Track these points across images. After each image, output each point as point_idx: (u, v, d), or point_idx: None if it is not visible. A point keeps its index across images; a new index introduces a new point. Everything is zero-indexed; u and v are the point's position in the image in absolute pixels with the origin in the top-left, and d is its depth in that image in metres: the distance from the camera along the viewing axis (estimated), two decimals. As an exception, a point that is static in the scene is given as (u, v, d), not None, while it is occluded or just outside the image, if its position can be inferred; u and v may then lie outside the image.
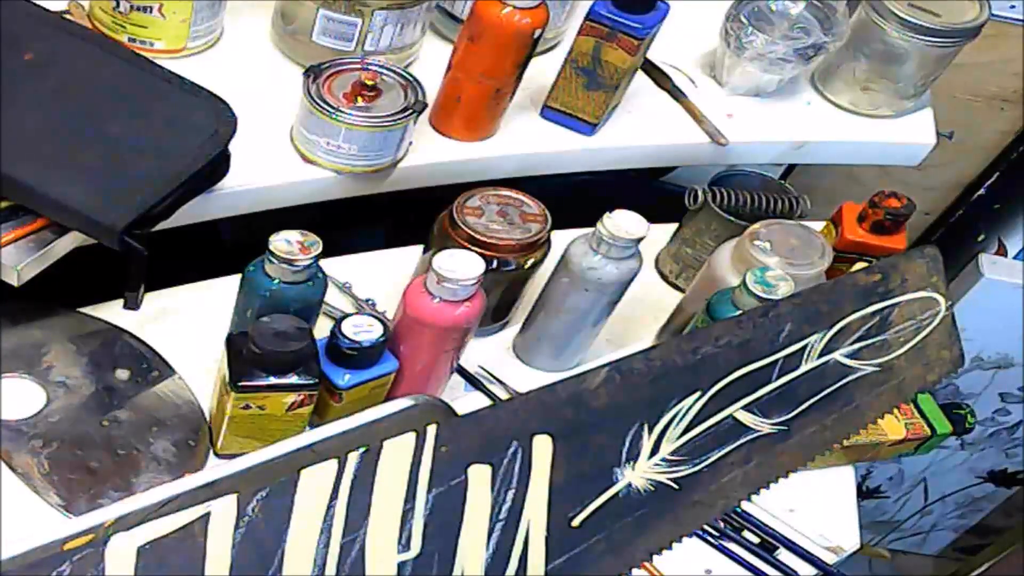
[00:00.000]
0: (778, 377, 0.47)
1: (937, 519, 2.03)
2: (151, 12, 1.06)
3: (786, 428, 0.47)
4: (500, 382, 1.06)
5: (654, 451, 0.45)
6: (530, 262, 1.02)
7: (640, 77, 1.24)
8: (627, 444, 0.45)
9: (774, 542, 0.99)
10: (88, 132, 0.93)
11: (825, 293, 0.50)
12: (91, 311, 1.00)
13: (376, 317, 0.92)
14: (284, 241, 0.89)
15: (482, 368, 1.06)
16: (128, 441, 0.92)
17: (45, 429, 0.91)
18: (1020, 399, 1.88)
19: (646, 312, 1.15)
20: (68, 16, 1.07)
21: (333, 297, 1.06)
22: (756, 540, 0.98)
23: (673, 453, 0.46)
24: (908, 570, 2.12)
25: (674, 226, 1.19)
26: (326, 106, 1.01)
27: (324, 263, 0.92)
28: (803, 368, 0.48)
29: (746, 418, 0.47)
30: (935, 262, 0.51)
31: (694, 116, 1.25)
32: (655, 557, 0.46)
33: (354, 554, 0.41)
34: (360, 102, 1.02)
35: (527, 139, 1.18)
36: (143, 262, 0.94)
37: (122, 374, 0.96)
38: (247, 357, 0.87)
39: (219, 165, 0.98)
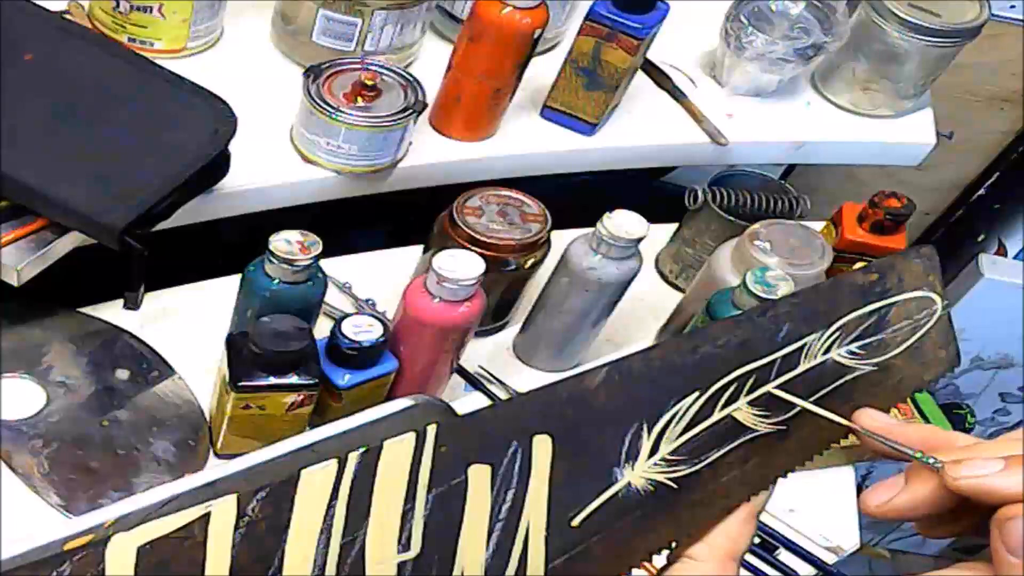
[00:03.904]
0: (777, 376, 0.47)
1: (937, 519, 2.03)
2: (151, 12, 1.06)
3: (785, 428, 0.47)
4: (500, 382, 1.06)
5: (653, 451, 0.45)
6: (530, 262, 1.02)
7: (640, 77, 1.24)
8: (627, 444, 0.45)
9: (774, 542, 0.99)
10: (88, 132, 0.93)
11: (823, 293, 0.49)
12: (91, 311, 1.00)
13: (376, 317, 0.92)
14: (284, 241, 0.89)
15: (482, 368, 1.06)
16: (128, 441, 0.92)
17: (45, 429, 0.91)
18: (1020, 399, 1.88)
19: (646, 312, 1.16)
20: (68, 16, 1.07)
21: (333, 297, 1.06)
22: (756, 540, 0.99)
23: (672, 453, 0.45)
24: (908, 570, 2.12)
25: (674, 226, 1.19)
26: (326, 106, 1.01)
27: (324, 263, 0.92)
28: (802, 367, 0.48)
29: (745, 418, 0.47)
30: (931, 261, 0.51)
31: (694, 116, 1.25)
32: (655, 557, 0.46)
33: (354, 554, 0.41)
34: (360, 102, 1.02)
35: (527, 139, 1.18)
36: (143, 262, 0.94)
37: (122, 374, 0.96)
38: (247, 357, 0.87)
39: (219, 165, 0.98)
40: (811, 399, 0.48)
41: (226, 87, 1.00)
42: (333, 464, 0.41)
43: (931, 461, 0.44)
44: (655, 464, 0.45)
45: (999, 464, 0.42)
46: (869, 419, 0.47)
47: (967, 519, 0.45)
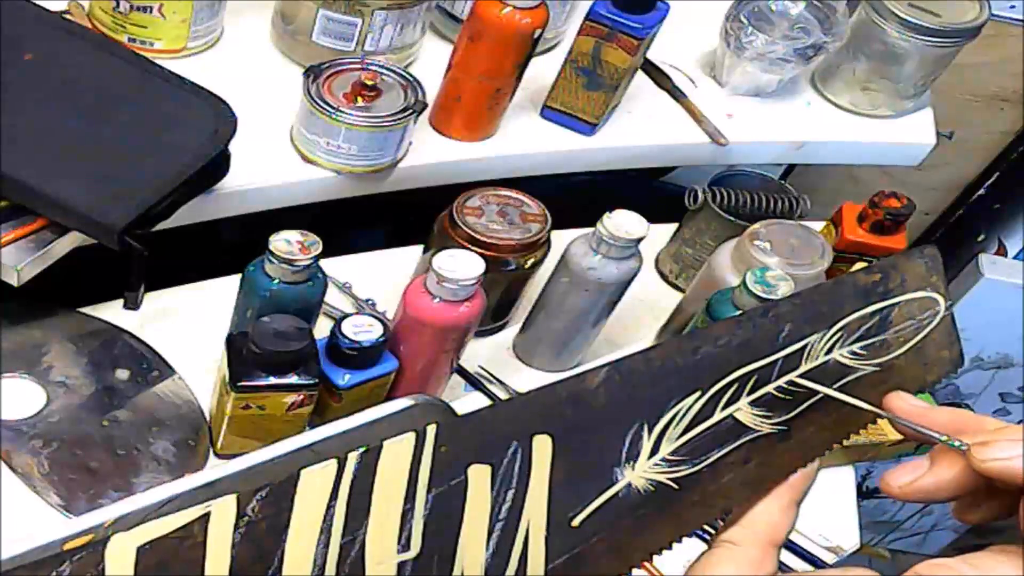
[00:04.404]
0: (778, 377, 0.47)
1: (937, 519, 2.04)
2: (151, 12, 1.06)
3: (786, 428, 0.47)
4: (500, 382, 1.06)
5: (654, 451, 0.45)
6: (530, 262, 1.02)
7: (640, 77, 1.24)
8: (627, 444, 0.45)
9: (774, 542, 0.99)
10: (88, 132, 0.93)
11: (825, 293, 0.49)
12: (91, 311, 1.00)
13: (376, 317, 0.92)
14: (284, 241, 0.89)
15: (482, 368, 1.06)
16: (128, 441, 0.92)
17: (45, 429, 0.91)
18: (1020, 399, 1.88)
19: (646, 312, 1.15)
20: (68, 16, 1.07)
21: (333, 297, 1.06)
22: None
23: (673, 453, 0.45)
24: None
25: (674, 226, 1.19)
26: (326, 106, 1.01)
27: (324, 263, 0.92)
28: (803, 368, 0.48)
29: (746, 418, 0.47)
30: (934, 262, 0.51)
31: (694, 116, 1.25)
32: (655, 557, 0.46)
33: (354, 554, 0.41)
34: (360, 102, 1.02)
35: (527, 139, 1.18)
36: (143, 262, 0.94)
37: (122, 374, 0.96)
38: (247, 357, 0.87)
39: (219, 165, 0.98)
40: (813, 400, 0.48)
41: (226, 87, 1.00)
42: (333, 464, 0.41)
43: (957, 444, 0.44)
44: (656, 464, 0.45)
45: None
46: (899, 401, 0.47)
47: (1000, 502, 0.44)
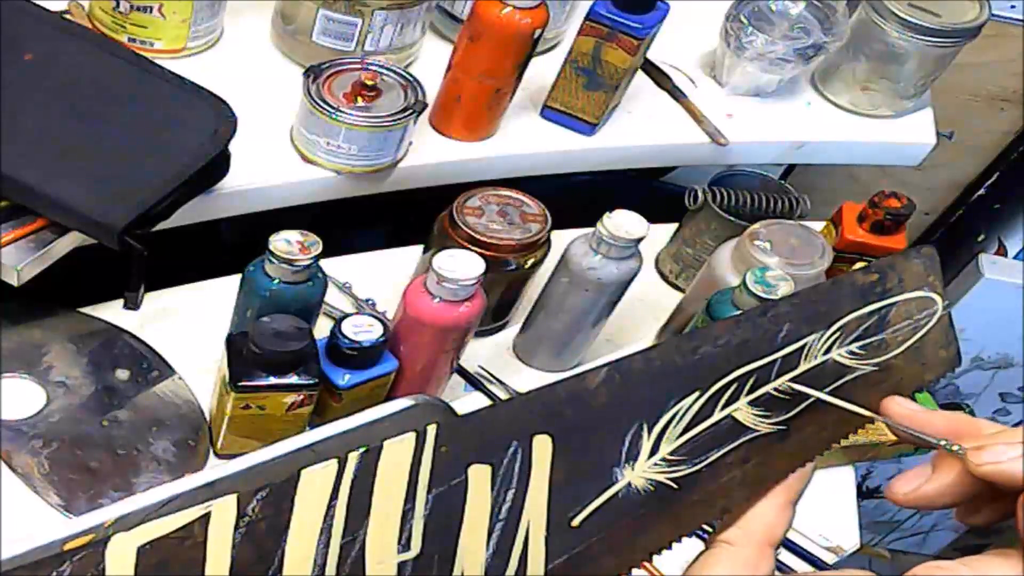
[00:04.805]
0: (777, 376, 0.47)
1: (937, 519, 2.04)
2: (151, 12, 1.06)
3: (785, 428, 0.47)
4: (500, 382, 1.06)
5: (653, 451, 0.45)
6: (530, 262, 1.02)
7: (640, 77, 1.24)
8: (627, 444, 0.45)
9: (774, 542, 0.99)
10: (88, 132, 0.93)
11: (823, 293, 0.50)
12: (91, 311, 1.00)
13: (376, 317, 0.92)
14: (284, 241, 0.89)
15: (482, 368, 1.06)
16: (128, 441, 0.92)
17: (45, 429, 0.91)
18: (1020, 399, 1.88)
19: (646, 312, 1.15)
20: (68, 16, 1.07)
21: (333, 297, 1.06)
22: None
23: (672, 453, 0.45)
24: (908, 570, 2.11)
25: (674, 226, 1.19)
26: (326, 106, 1.01)
27: (324, 263, 0.92)
28: (802, 368, 0.48)
29: (745, 418, 0.47)
30: (932, 261, 0.51)
31: (694, 116, 1.25)
32: (655, 557, 0.46)
33: (354, 554, 0.41)
34: (360, 102, 1.02)
35: (527, 139, 1.18)
36: (143, 262, 0.94)
37: (122, 374, 0.96)
38: (247, 357, 0.87)
39: (219, 165, 0.98)
40: (811, 400, 0.48)
41: (226, 87, 1.00)
42: (333, 464, 0.41)
43: (955, 448, 0.44)
44: (655, 464, 0.45)
45: (1020, 449, 0.42)
46: (896, 406, 0.48)
47: (1001, 504, 0.44)
